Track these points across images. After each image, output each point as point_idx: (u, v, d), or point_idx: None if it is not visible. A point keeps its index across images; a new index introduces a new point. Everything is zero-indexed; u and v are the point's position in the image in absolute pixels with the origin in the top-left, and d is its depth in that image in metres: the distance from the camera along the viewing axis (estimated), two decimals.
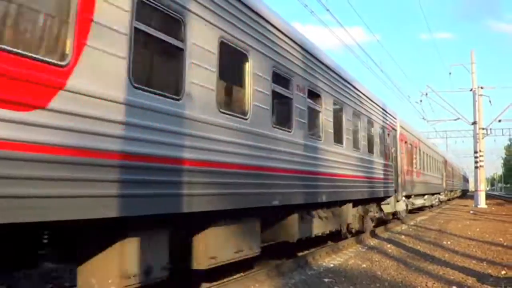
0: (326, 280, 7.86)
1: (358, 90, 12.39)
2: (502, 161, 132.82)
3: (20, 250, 4.62)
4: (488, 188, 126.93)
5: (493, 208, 31.02)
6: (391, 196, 15.87)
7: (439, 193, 35.53)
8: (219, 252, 6.50)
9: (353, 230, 12.82)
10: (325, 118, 9.72)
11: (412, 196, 22.38)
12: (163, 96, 5.14)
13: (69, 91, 4.02)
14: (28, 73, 3.69)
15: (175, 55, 5.44)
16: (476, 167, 33.67)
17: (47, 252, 4.99)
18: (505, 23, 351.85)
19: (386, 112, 16.08)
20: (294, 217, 8.68)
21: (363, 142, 12.37)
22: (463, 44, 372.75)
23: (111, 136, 4.43)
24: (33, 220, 3.73)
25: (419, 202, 20.44)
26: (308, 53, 9.02)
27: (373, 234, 14.61)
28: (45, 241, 4.75)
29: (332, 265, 9.35)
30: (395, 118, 17.72)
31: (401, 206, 18.00)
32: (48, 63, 3.89)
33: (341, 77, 10.94)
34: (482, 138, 33.47)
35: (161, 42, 5.23)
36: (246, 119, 6.82)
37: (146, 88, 4.89)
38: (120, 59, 4.55)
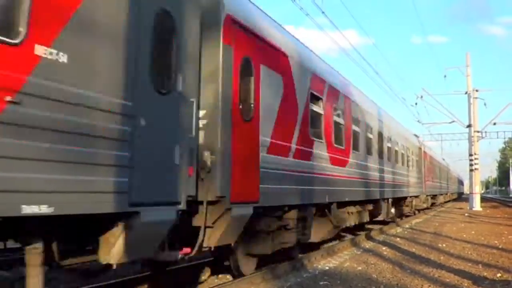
0: (321, 283, 7.83)
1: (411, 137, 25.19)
2: (497, 164, 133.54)
3: None
4: (483, 191, 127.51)
5: (488, 211, 31.12)
6: (420, 195, 26.02)
7: (446, 194, 47.42)
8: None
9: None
10: (400, 155, 20.21)
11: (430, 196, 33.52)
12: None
13: None
14: None
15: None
16: (471, 170, 33.78)
17: None
18: (498, 26, 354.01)
19: (416, 138, 27.71)
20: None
21: (409, 163, 22.54)
22: (457, 47, 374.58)
23: None
24: None
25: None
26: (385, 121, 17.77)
27: (369, 237, 14.60)
28: None
29: (327, 268, 9.32)
30: (419, 140, 28.66)
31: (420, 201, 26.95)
32: None
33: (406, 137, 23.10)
34: (477, 141, 33.62)
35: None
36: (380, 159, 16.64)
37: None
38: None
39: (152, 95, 5.18)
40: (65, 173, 4.07)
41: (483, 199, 43.90)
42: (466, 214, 26.77)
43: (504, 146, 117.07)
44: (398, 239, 14.32)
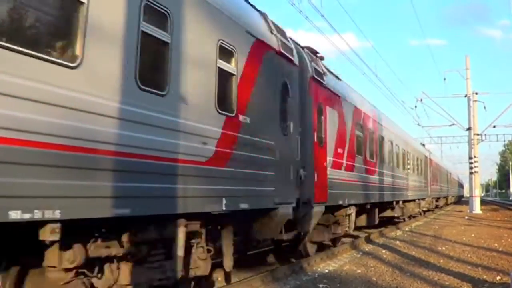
0: (321, 285, 7.83)
1: None
2: (496, 167, 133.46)
3: None
4: (483, 194, 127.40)
5: (488, 214, 31.09)
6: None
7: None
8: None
9: None
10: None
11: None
12: None
13: None
14: None
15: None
16: (471, 173, 33.75)
17: None
18: (496, 29, 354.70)
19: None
20: None
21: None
22: (456, 50, 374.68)
23: None
24: None
25: None
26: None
27: (368, 240, 14.58)
28: None
29: (327, 271, 9.32)
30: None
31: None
32: None
33: None
34: (477, 144, 33.60)
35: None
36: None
37: None
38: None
39: (281, 137, 7.87)
40: (255, 186, 6.94)
41: (483, 202, 43.90)
42: (466, 217, 26.74)
43: (504, 149, 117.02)
44: (397, 242, 14.31)
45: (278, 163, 7.68)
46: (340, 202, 11.04)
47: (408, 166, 22.22)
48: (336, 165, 11.02)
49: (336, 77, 12.14)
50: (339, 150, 11.38)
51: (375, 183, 15.09)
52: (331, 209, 10.79)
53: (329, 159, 10.45)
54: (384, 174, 16.54)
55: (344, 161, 11.78)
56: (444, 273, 8.77)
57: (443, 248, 12.52)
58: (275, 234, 8.34)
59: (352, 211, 12.31)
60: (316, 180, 9.47)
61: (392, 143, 18.29)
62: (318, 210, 9.61)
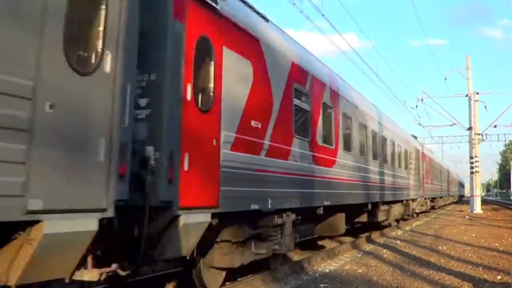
0: (321, 285, 7.82)
1: None
2: (497, 167, 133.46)
3: None
4: (483, 194, 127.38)
5: (488, 214, 31.07)
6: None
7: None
8: None
9: None
10: None
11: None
12: None
13: None
14: None
15: None
16: (471, 173, 33.74)
17: None
18: (497, 29, 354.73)
19: None
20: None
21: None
22: (457, 50, 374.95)
23: None
24: None
25: None
26: None
27: (369, 239, 14.57)
28: None
29: (327, 270, 9.31)
30: None
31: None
32: None
33: None
34: (478, 144, 33.58)
35: None
36: None
37: None
38: None
39: (66, 74, 3.94)
40: None
41: (484, 202, 43.89)
42: (467, 217, 26.72)
43: (504, 148, 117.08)
44: (398, 241, 14.30)
45: (45, 128, 3.81)
46: (256, 207, 7.02)
47: (393, 160, 18.01)
48: (245, 147, 6.87)
49: (262, 16, 8.07)
50: (254, 124, 7.20)
51: (336, 179, 10.78)
52: (249, 217, 7.12)
53: (226, 134, 6.39)
54: (354, 168, 12.30)
55: (266, 142, 7.52)
56: (444, 273, 8.77)
57: (444, 247, 12.52)
58: (51, 274, 4.16)
59: (287, 219, 8.33)
60: (187, 168, 5.50)
61: (366, 127, 13.90)
62: (194, 220, 5.61)
